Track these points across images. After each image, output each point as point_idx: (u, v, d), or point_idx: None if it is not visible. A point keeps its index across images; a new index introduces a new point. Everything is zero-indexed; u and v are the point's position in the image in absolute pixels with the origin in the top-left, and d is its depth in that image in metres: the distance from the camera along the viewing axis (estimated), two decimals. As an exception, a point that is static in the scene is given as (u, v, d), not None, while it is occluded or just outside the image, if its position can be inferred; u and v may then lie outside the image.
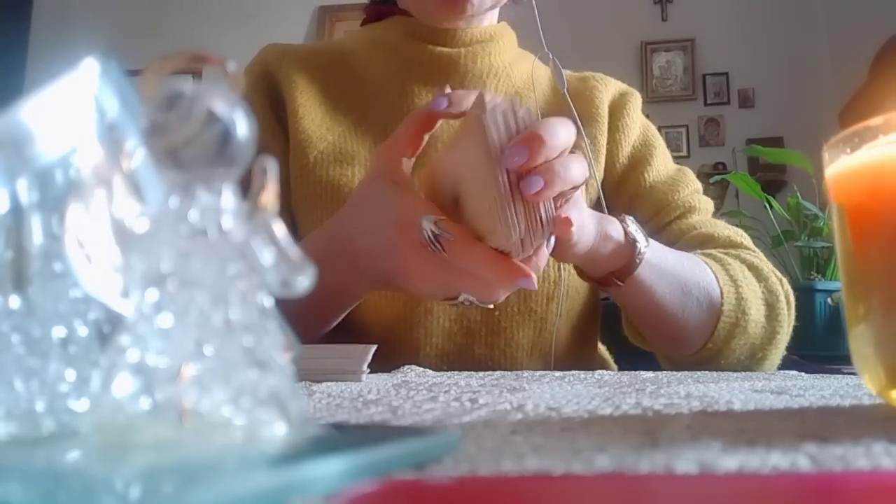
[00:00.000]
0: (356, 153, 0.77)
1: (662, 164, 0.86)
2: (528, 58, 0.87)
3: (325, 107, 0.81)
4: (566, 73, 0.90)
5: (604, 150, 0.83)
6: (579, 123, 0.77)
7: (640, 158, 0.85)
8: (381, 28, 0.85)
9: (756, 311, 0.69)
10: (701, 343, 0.69)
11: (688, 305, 0.67)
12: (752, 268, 0.73)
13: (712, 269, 0.69)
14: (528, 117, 0.49)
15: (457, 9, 0.78)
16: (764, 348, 0.71)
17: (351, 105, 0.82)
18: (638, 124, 0.87)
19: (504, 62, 0.84)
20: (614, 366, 0.87)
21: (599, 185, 0.81)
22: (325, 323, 0.66)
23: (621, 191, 0.83)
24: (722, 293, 0.68)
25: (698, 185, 0.85)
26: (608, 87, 0.88)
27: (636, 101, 0.89)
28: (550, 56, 0.82)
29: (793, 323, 0.73)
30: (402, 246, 0.53)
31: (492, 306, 0.61)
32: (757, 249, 0.79)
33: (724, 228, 0.80)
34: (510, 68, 0.84)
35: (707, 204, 0.84)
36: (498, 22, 0.87)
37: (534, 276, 0.50)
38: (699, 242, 0.77)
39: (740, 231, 0.80)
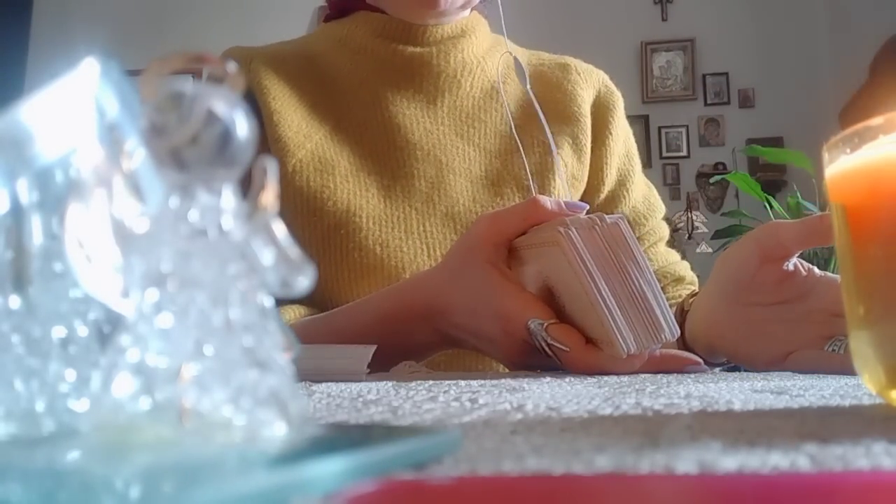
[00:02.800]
0: (336, 163, 0.75)
1: (639, 176, 0.87)
2: (502, 44, 0.86)
3: (301, 112, 0.78)
4: (544, 55, 0.90)
5: (587, 151, 0.82)
6: (546, 125, 0.77)
7: (625, 172, 0.85)
8: (348, 27, 0.82)
9: None
10: None
11: None
12: None
13: None
14: (613, 229, 0.49)
15: (430, 3, 0.76)
16: None
17: (326, 111, 0.79)
18: (622, 138, 0.86)
19: (477, 56, 0.82)
20: None
21: (584, 183, 0.81)
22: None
23: (606, 207, 0.83)
24: None
25: (661, 205, 0.88)
26: (589, 83, 0.86)
27: (620, 104, 0.87)
28: (512, 55, 0.81)
29: None
30: (505, 340, 0.53)
31: None
32: None
33: (687, 269, 0.85)
34: (484, 62, 0.83)
35: (665, 231, 0.88)
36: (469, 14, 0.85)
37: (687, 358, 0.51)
38: (673, 280, 0.82)
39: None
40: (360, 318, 0.62)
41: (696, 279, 0.83)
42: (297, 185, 0.74)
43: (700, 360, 0.51)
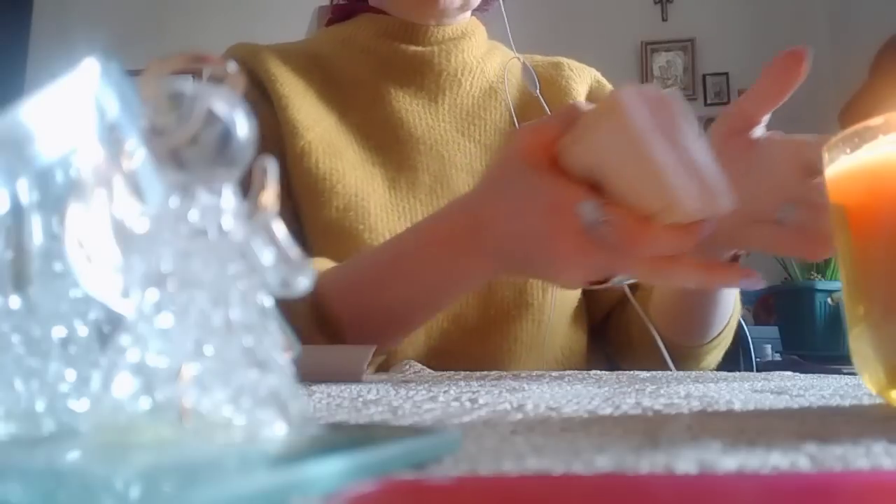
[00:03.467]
0: (344, 150, 0.76)
1: None
2: (499, 49, 0.88)
3: (309, 99, 0.79)
4: (537, 56, 0.90)
5: None
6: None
7: None
8: (352, 28, 0.84)
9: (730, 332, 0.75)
10: (700, 342, 0.72)
11: (720, 312, 0.70)
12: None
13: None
14: (667, 100, 0.47)
15: (429, 2, 0.78)
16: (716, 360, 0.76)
17: (331, 104, 0.80)
18: None
19: (477, 57, 0.84)
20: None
21: None
22: (415, 322, 0.63)
23: None
24: (733, 309, 0.72)
25: None
26: (583, 78, 0.87)
27: None
28: (521, 60, 0.82)
29: None
30: (556, 233, 0.50)
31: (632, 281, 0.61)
32: None
33: None
34: (483, 63, 0.84)
35: None
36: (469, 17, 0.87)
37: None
38: None
39: None
40: (401, 248, 0.60)
41: None
42: (306, 165, 0.74)
43: (755, 274, 0.48)
